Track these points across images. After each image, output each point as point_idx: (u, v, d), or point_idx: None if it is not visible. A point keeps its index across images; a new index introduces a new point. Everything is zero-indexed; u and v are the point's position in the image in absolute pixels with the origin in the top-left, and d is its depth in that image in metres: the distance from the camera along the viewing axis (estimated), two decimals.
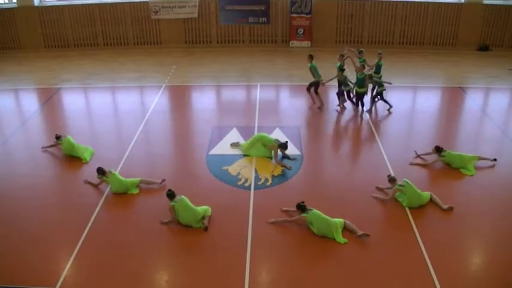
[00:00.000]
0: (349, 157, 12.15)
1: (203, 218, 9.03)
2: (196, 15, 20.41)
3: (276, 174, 10.82)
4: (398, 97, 15.51)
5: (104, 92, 16.33)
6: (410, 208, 9.43)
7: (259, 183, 10.46)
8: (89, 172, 10.76)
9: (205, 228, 8.86)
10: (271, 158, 11.42)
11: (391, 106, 14.19)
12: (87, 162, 11.36)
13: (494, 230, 8.93)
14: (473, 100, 15.19)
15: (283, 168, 11.02)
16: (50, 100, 15.45)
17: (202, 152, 11.85)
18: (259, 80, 16.84)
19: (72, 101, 15.80)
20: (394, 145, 12.17)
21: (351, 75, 15.67)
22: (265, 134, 11.74)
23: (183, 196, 9.11)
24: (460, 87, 16.19)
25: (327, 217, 8.70)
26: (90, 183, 10.41)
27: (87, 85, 16.78)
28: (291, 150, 11.59)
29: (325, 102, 14.42)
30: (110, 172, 10.20)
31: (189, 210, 8.93)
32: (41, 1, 20.44)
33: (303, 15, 20.15)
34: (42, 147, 12.03)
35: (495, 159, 11.11)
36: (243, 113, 14.21)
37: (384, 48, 18.58)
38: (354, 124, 13.66)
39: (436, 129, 13.39)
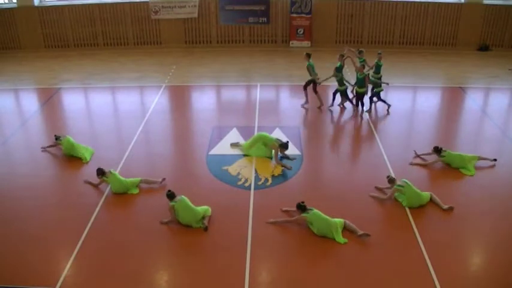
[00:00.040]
0: (349, 157, 12.15)
1: (203, 218, 9.03)
2: (196, 15, 20.41)
3: (276, 174, 10.82)
4: (398, 97, 15.52)
5: (104, 92, 16.33)
6: (410, 208, 9.43)
7: (259, 183, 10.46)
8: (89, 172, 10.76)
9: (205, 228, 8.86)
10: (271, 158, 11.42)
11: (389, 105, 14.20)
12: (87, 162, 11.36)
13: (494, 230, 8.93)
14: (473, 100, 15.19)
15: (283, 168, 11.02)
16: (50, 100, 15.46)
17: (202, 152, 11.85)
18: (259, 80, 16.84)
19: (72, 101, 15.80)
20: (394, 145, 12.16)
21: (351, 75, 15.69)
22: (266, 134, 11.74)
23: (183, 196, 9.11)
24: (460, 87, 16.19)
25: (327, 217, 8.70)
26: (90, 183, 10.41)
27: (87, 85, 16.78)
28: (291, 150, 11.59)
29: (324, 102, 14.40)
30: (110, 172, 10.20)
31: (189, 210, 8.93)
32: (41, 1, 20.45)
33: (303, 15, 20.15)
34: (42, 148, 12.02)
35: (495, 160, 11.11)
36: (243, 113, 14.21)
37: (384, 48, 18.60)
38: (354, 124, 13.66)
39: (436, 129, 13.39)
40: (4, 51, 20.61)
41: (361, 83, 13.48)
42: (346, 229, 8.76)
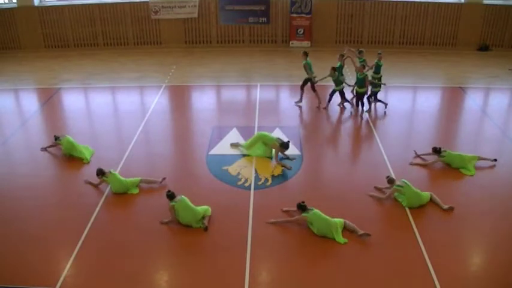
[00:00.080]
0: (349, 157, 12.15)
1: (203, 218, 9.03)
2: (196, 15, 20.41)
3: (276, 174, 10.82)
4: (398, 97, 15.54)
5: (104, 92, 16.33)
6: (410, 208, 9.43)
7: (259, 183, 10.46)
8: (89, 172, 10.76)
9: (205, 228, 8.86)
10: (271, 158, 11.42)
11: (386, 104, 14.23)
12: (88, 162, 11.36)
13: (494, 230, 8.93)
14: (473, 100, 15.20)
15: (283, 168, 11.02)
16: (50, 100, 15.45)
17: (202, 152, 11.85)
18: (259, 80, 16.84)
19: (72, 101, 15.80)
20: (394, 145, 12.16)
21: (351, 75, 15.70)
22: (267, 133, 11.73)
23: (183, 196, 9.11)
24: (460, 87, 16.19)
25: (327, 217, 8.70)
26: (90, 183, 10.41)
27: (87, 85, 16.78)
28: (291, 150, 11.58)
29: (323, 101, 14.40)
30: (110, 172, 10.20)
31: (189, 210, 8.93)
32: (41, 1, 20.45)
33: (303, 15, 20.15)
34: (42, 149, 12.02)
35: (495, 160, 11.11)
36: (243, 113, 14.21)
37: (384, 48, 18.60)
38: (354, 124, 13.66)
39: (436, 129, 13.39)
40: (4, 51, 20.61)
41: (361, 83, 13.48)
42: (346, 229, 8.76)
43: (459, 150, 11.43)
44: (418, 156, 11.40)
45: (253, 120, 13.61)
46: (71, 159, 11.53)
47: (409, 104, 15.11)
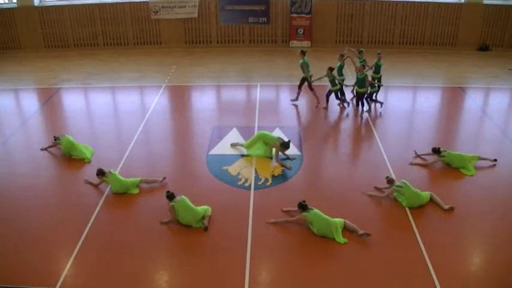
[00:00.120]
0: (349, 157, 12.15)
1: (203, 218, 9.03)
2: (196, 15, 20.41)
3: (276, 174, 10.82)
4: (398, 97, 15.55)
5: (104, 92, 16.33)
6: (410, 208, 9.43)
7: (259, 183, 10.46)
8: (89, 172, 10.76)
9: (205, 228, 8.86)
10: (271, 157, 11.42)
11: (381, 103, 14.26)
12: (89, 162, 11.36)
13: (494, 230, 8.93)
14: (473, 100, 15.19)
15: (283, 168, 11.02)
16: (50, 100, 15.45)
17: (202, 152, 11.84)
18: (259, 80, 16.84)
19: (72, 101, 15.80)
20: (394, 145, 12.16)
21: (351, 75, 15.70)
22: (268, 132, 11.73)
23: (183, 196, 9.11)
24: (460, 87, 16.19)
25: (327, 217, 8.70)
26: (90, 183, 10.40)
27: (87, 85, 16.78)
28: (291, 150, 11.57)
29: (321, 100, 14.41)
30: (110, 172, 10.20)
31: (189, 210, 8.93)
32: (41, 1, 20.45)
33: (303, 15, 20.15)
34: (42, 149, 12.01)
35: (495, 160, 11.11)
36: (243, 113, 14.21)
37: (384, 48, 18.62)
38: (354, 124, 13.66)
39: (436, 129, 13.39)
40: (4, 51, 20.61)
41: (361, 83, 13.48)
42: (346, 229, 8.76)
43: (459, 150, 11.43)
44: (418, 156, 11.40)
45: (253, 120, 13.61)
46: (71, 159, 11.52)
47: (409, 104, 15.11)
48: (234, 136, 12.56)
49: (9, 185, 10.59)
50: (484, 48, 20.27)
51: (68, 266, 8.05)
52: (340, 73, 14.24)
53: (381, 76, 14.43)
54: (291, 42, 20.70)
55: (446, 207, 9.37)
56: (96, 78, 17.27)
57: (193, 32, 20.83)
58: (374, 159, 11.47)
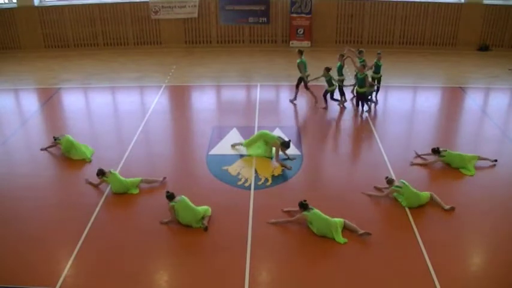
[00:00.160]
0: (349, 157, 12.14)
1: (203, 218, 9.03)
2: (196, 15, 20.41)
3: (276, 174, 10.82)
4: (398, 97, 15.55)
5: (104, 92, 16.33)
6: (410, 208, 9.43)
7: (259, 183, 10.46)
8: (90, 172, 10.76)
9: (205, 228, 8.86)
10: (271, 157, 11.42)
11: (375, 103, 14.32)
12: (90, 161, 11.36)
13: (494, 230, 8.93)
14: (473, 100, 15.19)
15: (283, 168, 11.02)
16: (50, 100, 15.45)
17: (202, 152, 11.84)
18: (259, 80, 16.84)
19: (72, 101, 15.80)
20: (394, 145, 12.16)
21: (352, 75, 15.70)
22: (268, 132, 11.72)
23: (183, 196, 9.11)
24: (460, 87, 16.18)
25: (327, 217, 8.70)
26: (90, 183, 10.40)
27: (87, 85, 16.78)
28: (291, 150, 11.57)
29: (318, 99, 14.41)
30: (110, 172, 10.20)
31: (189, 210, 8.93)
32: (41, 1, 20.45)
33: (303, 15, 20.15)
34: (42, 149, 12.01)
35: (495, 160, 11.10)
36: (243, 113, 14.21)
37: (384, 48, 18.62)
38: (354, 124, 13.66)
39: (436, 129, 13.39)
40: (4, 51, 20.61)
41: (361, 83, 13.47)
42: (346, 228, 8.76)
43: (459, 150, 11.42)
44: (418, 156, 11.40)
45: (253, 120, 13.61)
46: (71, 159, 11.50)
47: (409, 104, 15.11)
48: (234, 136, 12.55)
49: (9, 185, 10.59)
50: (484, 48, 20.27)
51: (68, 266, 8.05)
52: (340, 73, 14.24)
53: (380, 76, 14.44)
54: (291, 42, 20.69)
55: (447, 207, 9.37)
56: (96, 78, 17.27)
57: (193, 32, 20.83)
58: (374, 159, 11.47)
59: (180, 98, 15.64)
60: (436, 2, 19.94)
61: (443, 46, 20.54)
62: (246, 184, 10.41)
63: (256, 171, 10.89)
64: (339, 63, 14.22)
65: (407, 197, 9.45)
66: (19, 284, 7.69)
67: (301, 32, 20.46)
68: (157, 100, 15.17)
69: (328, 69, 13.74)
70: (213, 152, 11.85)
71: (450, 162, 10.96)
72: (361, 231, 8.62)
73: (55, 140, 11.83)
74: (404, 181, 9.63)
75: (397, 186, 9.57)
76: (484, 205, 9.62)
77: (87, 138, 12.39)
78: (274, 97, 15.94)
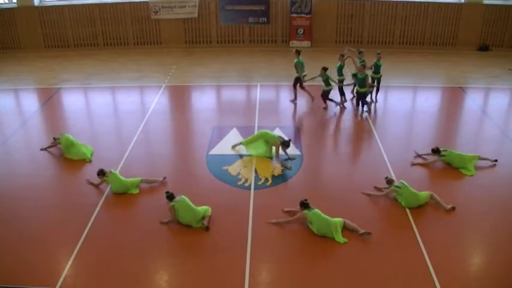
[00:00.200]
0: (349, 157, 12.14)
1: (203, 218, 9.03)
2: (196, 15, 20.41)
3: (276, 174, 10.82)
4: (398, 97, 15.55)
5: (104, 92, 16.33)
6: (409, 208, 9.43)
7: (259, 183, 10.46)
8: (90, 172, 10.76)
9: (207, 228, 8.85)
10: (271, 158, 11.42)
11: (375, 102, 14.37)
12: (90, 161, 11.36)
13: (494, 230, 8.93)
14: (473, 100, 15.19)
15: (283, 168, 11.02)
16: (50, 100, 15.45)
17: (202, 152, 11.84)
18: (259, 80, 16.84)
19: (72, 101, 15.80)
20: (394, 145, 12.16)
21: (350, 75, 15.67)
22: (269, 131, 11.72)
23: (183, 196, 9.11)
24: (460, 87, 16.19)
25: (327, 217, 8.70)
26: (91, 183, 10.40)
27: (87, 85, 16.78)
28: (291, 150, 11.58)
29: (314, 97, 14.43)
30: (111, 172, 10.20)
31: (190, 210, 8.93)
32: (41, 1, 20.45)
33: (303, 15, 20.15)
34: (41, 149, 12.00)
35: (496, 160, 11.10)
36: (243, 113, 14.21)
37: (384, 48, 18.62)
38: (354, 124, 13.65)
39: (436, 129, 13.39)
40: (4, 51, 20.61)
41: (361, 83, 13.47)
42: (346, 228, 8.76)
43: (459, 150, 11.40)
44: (419, 156, 11.40)
45: (253, 120, 13.61)
46: (70, 159, 11.51)
47: (409, 104, 15.11)
48: (234, 136, 12.55)
49: (9, 185, 10.59)
50: (484, 48, 20.27)
51: (68, 266, 8.05)
52: (340, 73, 14.25)
53: (380, 76, 14.43)
54: (291, 42, 20.69)
55: (448, 207, 9.36)
56: (96, 78, 17.27)
57: (193, 32, 20.83)
58: (374, 159, 11.47)
59: (180, 98, 15.65)
60: (436, 2, 19.94)
61: (443, 46, 20.54)
62: (246, 184, 10.41)
63: (256, 171, 10.89)
64: (339, 63, 14.23)
65: (406, 197, 9.45)
66: (19, 284, 7.69)
67: (301, 32, 20.46)
68: (157, 100, 15.17)
69: (325, 69, 13.74)
70: (213, 152, 11.85)
71: (450, 162, 10.96)
72: (362, 231, 8.62)
73: (55, 140, 11.83)
74: (403, 181, 9.63)
75: (396, 187, 9.57)
76: (484, 205, 9.62)
77: (87, 138, 12.39)
78: (274, 97, 15.94)
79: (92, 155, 11.65)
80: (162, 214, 9.20)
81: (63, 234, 8.88)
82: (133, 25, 20.57)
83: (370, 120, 13.59)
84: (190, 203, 9.02)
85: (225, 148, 11.98)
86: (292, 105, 14.70)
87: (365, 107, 14.00)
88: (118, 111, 14.84)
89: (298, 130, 13.09)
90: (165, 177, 10.42)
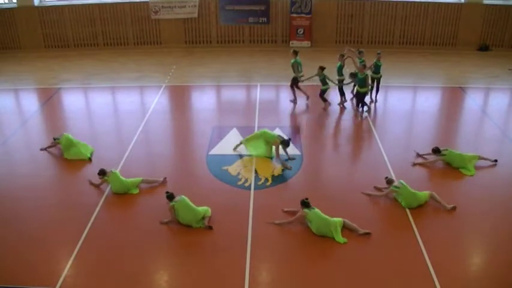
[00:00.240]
0: (349, 157, 12.14)
1: (203, 218, 9.03)
2: (196, 15, 20.41)
3: (276, 174, 10.82)
4: (398, 97, 15.55)
5: (104, 92, 16.33)
6: (409, 208, 9.43)
7: (259, 183, 10.46)
8: (90, 172, 10.76)
9: (210, 227, 8.84)
10: (271, 157, 11.42)
11: (375, 101, 14.35)
12: (90, 161, 11.36)
13: (494, 230, 8.93)
14: (473, 100, 15.20)
15: (283, 168, 11.02)
16: (50, 100, 15.46)
17: (202, 152, 11.84)
18: (259, 80, 16.84)
19: (72, 101, 15.80)
20: (394, 145, 12.16)
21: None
22: (268, 131, 11.72)
23: (183, 196, 9.11)
24: (460, 87, 16.19)
25: (327, 217, 8.70)
26: (92, 183, 10.39)
27: (87, 85, 16.78)
28: (291, 150, 11.58)
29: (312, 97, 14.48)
30: (111, 172, 10.20)
31: (190, 210, 8.93)
32: (41, 1, 20.45)
33: (303, 15, 20.15)
34: (41, 149, 12.00)
35: (496, 160, 11.10)
36: (243, 113, 14.22)
37: (384, 48, 18.62)
38: (354, 124, 13.65)
39: (436, 129, 13.39)
40: (4, 51, 20.61)
41: (362, 83, 13.47)
42: (346, 228, 8.76)
43: (459, 150, 11.40)
44: (419, 155, 11.40)
45: (253, 120, 13.61)
46: (71, 159, 11.52)
47: (409, 104, 15.11)
48: (234, 136, 12.55)
49: (9, 185, 10.59)
50: (484, 48, 20.27)
51: (68, 266, 8.05)
52: (340, 73, 14.25)
53: (380, 76, 14.43)
54: (291, 42, 20.69)
55: (449, 207, 9.36)
56: (96, 78, 17.27)
57: (193, 32, 20.83)
58: (374, 159, 11.47)
59: (180, 98, 15.65)
60: (436, 2, 19.94)
61: (443, 46, 20.54)
62: (246, 184, 10.42)
63: (256, 171, 10.89)
64: (339, 63, 14.22)
65: (405, 197, 9.45)
66: (19, 284, 7.69)
67: (301, 32, 20.46)
68: (157, 100, 15.17)
69: (322, 68, 13.75)
70: (213, 152, 11.85)
71: (451, 161, 10.96)
72: (362, 231, 8.62)
73: (55, 140, 11.83)
74: (402, 182, 9.63)
75: (395, 187, 9.57)
76: (484, 205, 9.63)
77: (87, 138, 12.38)
78: (274, 97, 15.94)
79: (91, 154, 11.65)
80: (162, 214, 9.20)
81: (63, 234, 8.88)
82: (133, 25, 20.57)
83: (370, 120, 13.60)
84: (191, 203, 9.02)
85: (225, 148, 11.98)
86: (292, 105, 14.70)
87: (364, 107, 14.00)
88: (118, 111, 14.85)
89: (298, 130, 13.09)
90: (165, 178, 10.42)
